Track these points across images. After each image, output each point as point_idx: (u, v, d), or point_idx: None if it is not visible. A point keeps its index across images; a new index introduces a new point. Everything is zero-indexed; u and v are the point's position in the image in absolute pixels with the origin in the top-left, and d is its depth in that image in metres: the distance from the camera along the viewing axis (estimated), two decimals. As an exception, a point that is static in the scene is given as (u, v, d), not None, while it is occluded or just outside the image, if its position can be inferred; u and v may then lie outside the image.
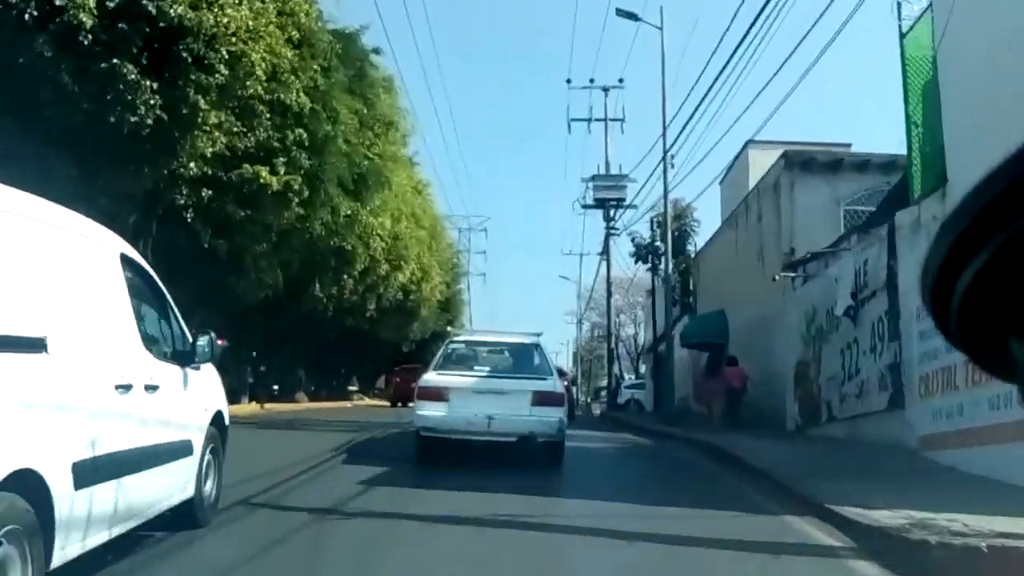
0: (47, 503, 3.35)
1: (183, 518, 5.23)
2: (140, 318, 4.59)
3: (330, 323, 27.97)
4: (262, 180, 15.65)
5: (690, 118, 20.71)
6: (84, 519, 3.71)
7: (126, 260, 4.62)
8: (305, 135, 16.30)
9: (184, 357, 5.18)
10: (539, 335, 11.34)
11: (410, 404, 13.10)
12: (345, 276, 24.30)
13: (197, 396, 5.41)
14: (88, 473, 3.67)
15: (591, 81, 36.36)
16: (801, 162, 18.31)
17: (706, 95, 18.34)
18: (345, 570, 4.75)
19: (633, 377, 53.93)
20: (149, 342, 4.65)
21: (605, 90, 36.15)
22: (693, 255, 31.07)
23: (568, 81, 36.86)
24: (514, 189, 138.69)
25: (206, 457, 5.51)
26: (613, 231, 34.28)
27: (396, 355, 39.35)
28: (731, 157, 24.82)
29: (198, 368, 5.44)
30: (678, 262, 27.94)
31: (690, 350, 25.84)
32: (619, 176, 33.63)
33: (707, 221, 39.64)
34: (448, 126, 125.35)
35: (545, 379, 9.94)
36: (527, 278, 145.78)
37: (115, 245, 4.60)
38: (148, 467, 4.45)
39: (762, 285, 17.94)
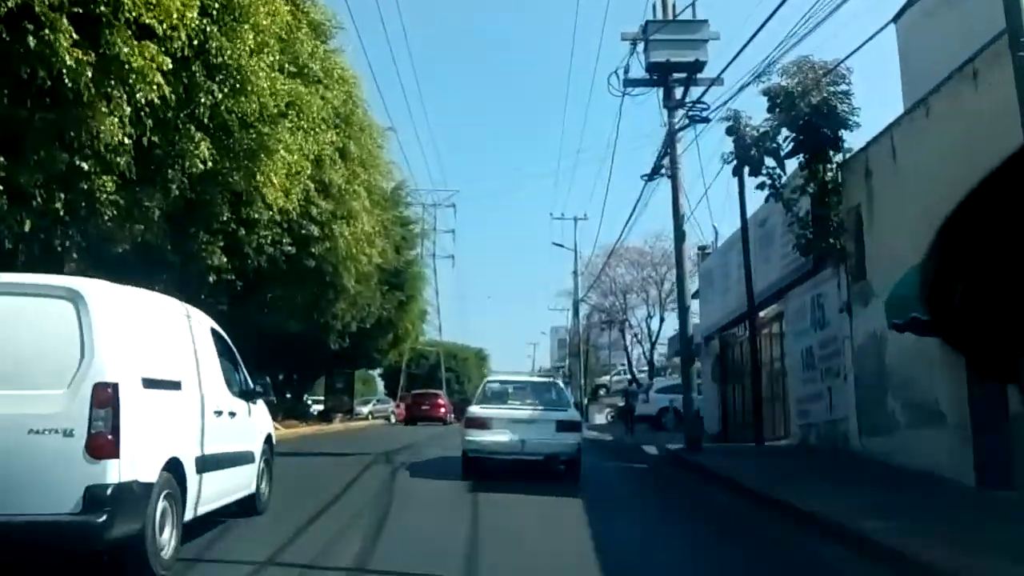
0: (183, 480, 5.67)
1: (247, 508, 7.51)
2: (223, 368, 6.96)
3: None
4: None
5: None
6: (198, 494, 6.03)
7: (213, 331, 7.04)
8: None
9: (247, 395, 7.55)
10: (556, 375, 14.83)
11: (419, 423, 25.04)
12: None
13: (255, 422, 7.78)
14: (202, 465, 6.01)
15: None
16: None
17: None
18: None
19: (669, 376, 37.66)
20: (228, 384, 7.02)
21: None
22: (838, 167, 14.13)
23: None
24: (493, 151, 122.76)
25: (261, 465, 7.83)
26: (695, 117, 16.80)
27: (326, 358, 28.41)
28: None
29: (255, 403, 7.80)
30: (813, 175, 13.69)
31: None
32: (691, 24, 17.42)
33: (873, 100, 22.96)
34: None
35: (566, 410, 12.45)
36: (506, 259, 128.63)
37: (207, 321, 7.02)
38: (230, 467, 6.79)
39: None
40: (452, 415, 37.54)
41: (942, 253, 0.75)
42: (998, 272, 0.71)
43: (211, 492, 6.30)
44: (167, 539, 5.40)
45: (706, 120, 16.62)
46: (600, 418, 40.67)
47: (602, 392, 54.80)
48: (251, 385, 7.68)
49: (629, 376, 46.82)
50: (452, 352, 66.96)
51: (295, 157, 13.98)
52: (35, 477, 4.68)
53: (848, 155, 13.75)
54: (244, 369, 7.73)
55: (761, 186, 15.21)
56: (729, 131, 15.63)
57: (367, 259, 20.64)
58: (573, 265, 46.89)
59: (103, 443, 4.74)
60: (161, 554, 5.28)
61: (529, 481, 10.60)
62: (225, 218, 13.87)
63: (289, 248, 16.61)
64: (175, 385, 5.73)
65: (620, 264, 42.50)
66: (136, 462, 4.94)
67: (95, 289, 5.16)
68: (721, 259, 23.33)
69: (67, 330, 4.87)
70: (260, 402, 8.01)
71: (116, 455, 4.78)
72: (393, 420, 40.59)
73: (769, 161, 14.91)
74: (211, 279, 14.74)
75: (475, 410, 12.28)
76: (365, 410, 41.77)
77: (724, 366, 22.79)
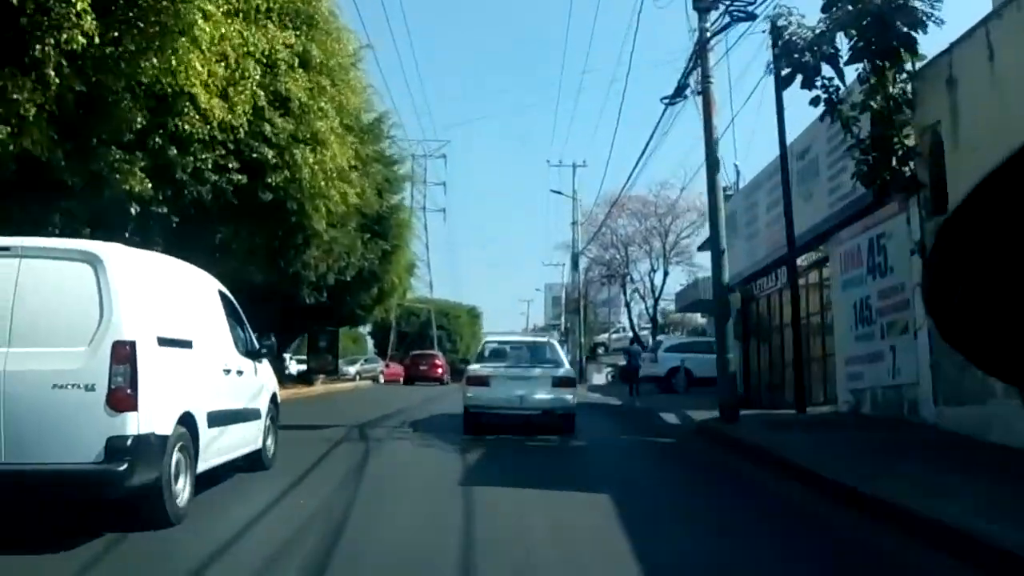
0: (195, 433, 6.12)
1: (254, 463, 7.92)
2: (230, 328, 7.28)
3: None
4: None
5: None
6: (209, 447, 6.49)
7: (221, 293, 7.44)
8: None
9: (253, 355, 8.03)
10: (551, 334, 15.86)
11: (416, 383, 30.35)
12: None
13: (261, 381, 8.27)
14: (213, 419, 6.49)
15: None
16: None
17: None
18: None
19: (675, 333, 41.38)
20: (235, 343, 7.37)
21: None
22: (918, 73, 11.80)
23: None
24: (488, 93, 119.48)
25: (266, 422, 8.30)
26: (736, 13, 14.10)
27: (301, 314, 26.29)
28: None
29: (260, 362, 8.16)
30: (881, 85, 11.62)
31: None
32: None
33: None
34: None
35: (560, 367, 13.51)
36: (501, 214, 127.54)
37: (215, 284, 7.38)
38: (238, 422, 7.29)
39: None
40: (448, 375, 39.65)
41: (943, 253, 0.75)
42: (999, 272, 0.71)
43: (221, 446, 6.77)
44: (181, 488, 5.88)
45: (752, 17, 13.74)
46: (599, 378, 40.07)
47: (600, 351, 55.01)
48: (256, 345, 8.05)
49: (631, 334, 45.30)
50: (444, 310, 65.35)
51: (226, 47, 11.07)
52: (60, 428, 5.08)
53: (924, 62, 11.53)
54: (250, 329, 8.04)
55: (815, 101, 12.66)
56: (774, 32, 13.16)
57: (340, 198, 17.35)
58: (572, 215, 45.58)
59: (122, 397, 5.13)
60: (176, 502, 5.68)
61: (540, 474, 9.01)
62: (140, 125, 10.95)
63: (239, 177, 13.71)
64: (187, 344, 6.14)
65: (622, 215, 41.02)
66: (152, 415, 5.35)
67: (113, 252, 5.59)
68: (745, 201, 21.29)
69: (87, 291, 5.25)
70: (265, 362, 8.39)
71: (135, 408, 5.19)
72: (382, 380, 41.31)
73: (826, 70, 12.46)
74: (133, 210, 11.84)
75: (476, 368, 13.17)
76: (352, 370, 40.56)
77: (747, 322, 20.66)
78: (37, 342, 5.26)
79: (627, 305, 44.04)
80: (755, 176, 20.61)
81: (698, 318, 46.34)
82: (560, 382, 12.83)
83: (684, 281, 39.76)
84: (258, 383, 8.26)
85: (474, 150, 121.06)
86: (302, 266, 19.44)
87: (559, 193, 46.54)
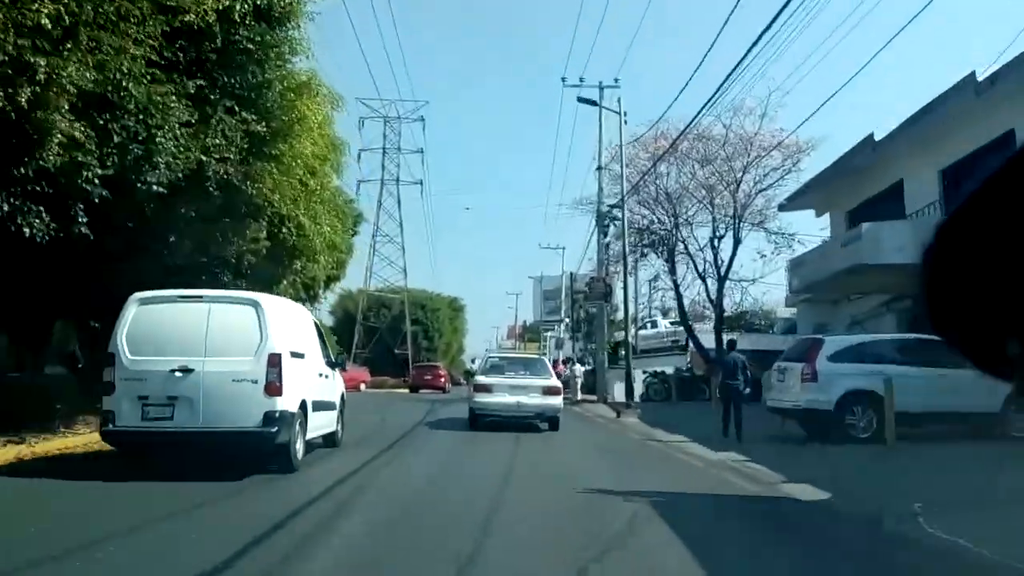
0: (306, 413, 9.62)
1: (330, 442, 11.32)
2: (321, 346, 10.73)
3: None
4: None
5: None
6: (311, 423, 9.94)
7: (313, 321, 10.82)
8: None
9: (332, 365, 11.42)
10: (543, 355, 20.10)
11: (421, 391, 34.64)
12: None
13: (336, 383, 11.76)
14: (314, 406, 10.06)
15: None
16: None
17: None
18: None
19: (734, 335, 23.98)
20: (324, 356, 10.80)
21: None
22: None
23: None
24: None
25: (339, 413, 11.62)
26: None
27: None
28: None
29: (335, 371, 11.56)
30: None
31: None
32: None
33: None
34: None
35: (550, 379, 16.97)
36: (489, 189, 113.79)
37: (311, 316, 10.80)
38: (325, 410, 10.80)
39: None
40: (449, 384, 43.97)
41: (941, 253, 0.76)
42: (998, 272, 0.72)
43: (316, 424, 10.23)
44: (299, 449, 9.26)
45: None
46: (618, 391, 28.29)
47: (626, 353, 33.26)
48: (333, 358, 11.45)
49: (682, 332, 33.22)
50: (420, 301, 58.41)
51: None
52: (236, 406, 8.52)
53: None
54: (328, 345, 11.47)
55: None
56: None
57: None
58: (596, 156, 31.20)
59: (273, 387, 8.58)
60: (297, 457, 9.05)
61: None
62: None
63: None
64: (303, 356, 9.61)
65: (671, 158, 27.35)
66: (288, 399, 8.82)
67: (266, 298, 9.18)
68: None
69: (251, 323, 8.71)
70: (337, 370, 11.73)
71: (280, 394, 8.63)
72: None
73: None
74: None
75: (480, 379, 16.61)
76: None
77: None
78: (222, 354, 8.70)
79: (676, 288, 29.30)
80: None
81: (780, 310, 37.39)
82: (549, 391, 16.14)
83: (765, 251, 28.01)
84: (335, 384, 11.84)
85: (460, 108, 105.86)
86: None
87: (589, 102, 30.68)
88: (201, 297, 9.10)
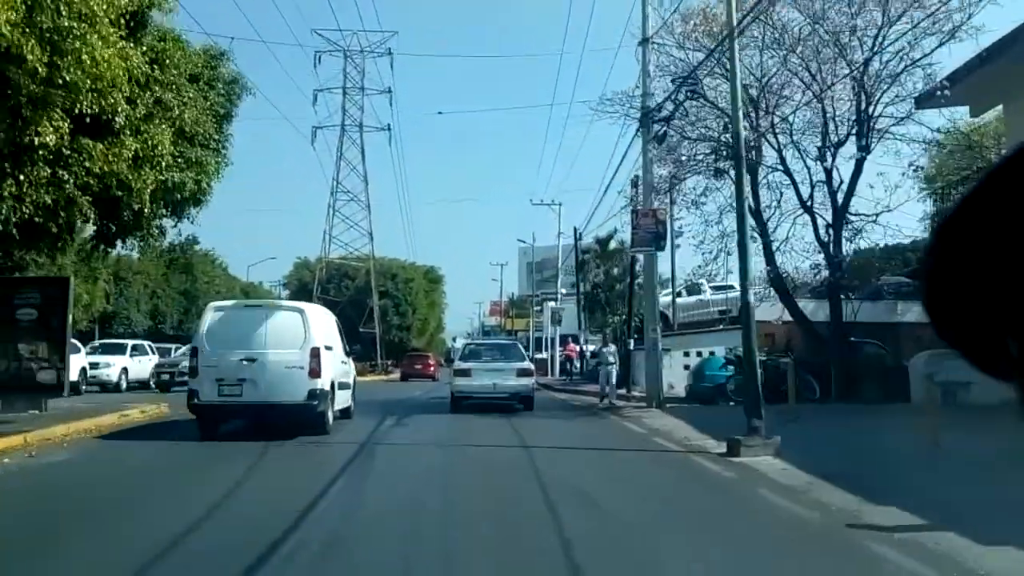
0: (334, 391, 13.22)
1: (346, 414, 14.62)
2: (341, 340, 13.95)
3: None
4: None
5: None
6: (337, 398, 13.27)
7: (334, 320, 14.02)
8: None
9: (348, 354, 14.60)
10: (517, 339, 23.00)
11: (411, 380, 37.33)
12: None
13: (350, 369, 14.94)
14: (339, 386, 13.39)
15: None
16: None
17: None
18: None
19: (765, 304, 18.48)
20: (343, 348, 14.00)
21: None
22: None
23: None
24: None
25: (352, 392, 14.86)
26: None
27: None
28: None
29: (349, 357, 14.75)
30: None
31: None
32: None
33: None
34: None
35: (523, 362, 19.23)
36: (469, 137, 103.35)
37: (331, 314, 14.00)
38: (344, 390, 14.18)
39: None
40: (439, 372, 44.45)
41: (941, 253, 0.76)
42: (998, 272, 0.72)
43: (340, 399, 13.56)
44: (330, 417, 12.60)
45: None
46: (670, 381, 20.28)
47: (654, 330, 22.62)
48: (349, 349, 14.63)
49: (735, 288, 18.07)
50: (390, 270, 49.66)
51: None
52: (288, 385, 11.86)
53: None
54: (345, 338, 14.67)
55: None
56: None
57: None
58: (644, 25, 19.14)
59: (315, 372, 11.88)
60: (329, 423, 12.32)
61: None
62: None
63: None
64: (331, 348, 12.86)
65: (756, 26, 16.66)
66: (324, 380, 12.15)
67: (309, 307, 12.26)
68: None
69: (298, 325, 11.86)
70: (351, 358, 14.96)
71: (319, 377, 11.94)
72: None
73: None
74: None
75: (460, 364, 19.11)
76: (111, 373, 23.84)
77: None
78: (278, 347, 11.89)
79: (763, 230, 18.84)
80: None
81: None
82: (523, 372, 18.34)
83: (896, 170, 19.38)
84: (350, 370, 15.16)
85: (435, 37, 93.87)
86: None
87: None
88: (260, 305, 12.29)
